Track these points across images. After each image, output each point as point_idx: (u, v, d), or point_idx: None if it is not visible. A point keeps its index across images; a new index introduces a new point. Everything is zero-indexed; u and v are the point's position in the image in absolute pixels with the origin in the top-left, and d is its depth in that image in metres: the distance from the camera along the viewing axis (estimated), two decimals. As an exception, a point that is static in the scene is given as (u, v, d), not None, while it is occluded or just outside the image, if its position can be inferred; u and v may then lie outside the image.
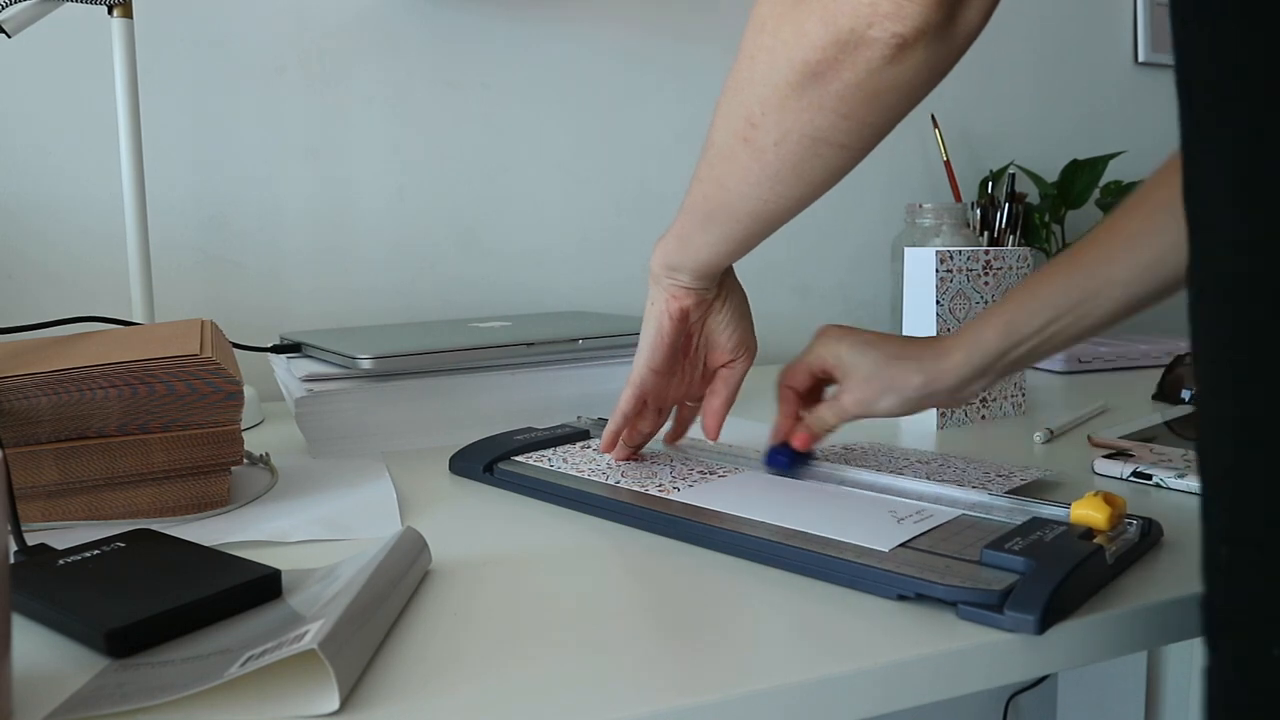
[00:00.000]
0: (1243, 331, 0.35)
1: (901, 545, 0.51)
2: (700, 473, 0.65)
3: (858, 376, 0.63)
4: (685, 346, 0.65)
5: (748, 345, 0.66)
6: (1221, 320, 0.37)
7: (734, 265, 0.63)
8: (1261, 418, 0.35)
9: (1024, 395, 0.92)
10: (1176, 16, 0.38)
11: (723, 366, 0.67)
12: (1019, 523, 0.52)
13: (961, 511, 0.56)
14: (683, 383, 0.68)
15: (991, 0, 0.41)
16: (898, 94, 0.43)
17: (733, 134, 0.49)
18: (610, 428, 0.67)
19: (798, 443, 0.66)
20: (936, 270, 0.84)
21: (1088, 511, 0.51)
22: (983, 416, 0.88)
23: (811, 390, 0.67)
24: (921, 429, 0.84)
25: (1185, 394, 0.94)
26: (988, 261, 0.88)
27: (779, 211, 0.52)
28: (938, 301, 0.85)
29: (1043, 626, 0.43)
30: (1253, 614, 0.35)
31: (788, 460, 0.65)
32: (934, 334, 0.84)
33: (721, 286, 0.64)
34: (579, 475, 0.65)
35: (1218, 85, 0.36)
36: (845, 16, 0.41)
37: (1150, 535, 0.53)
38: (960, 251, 0.86)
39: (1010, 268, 0.90)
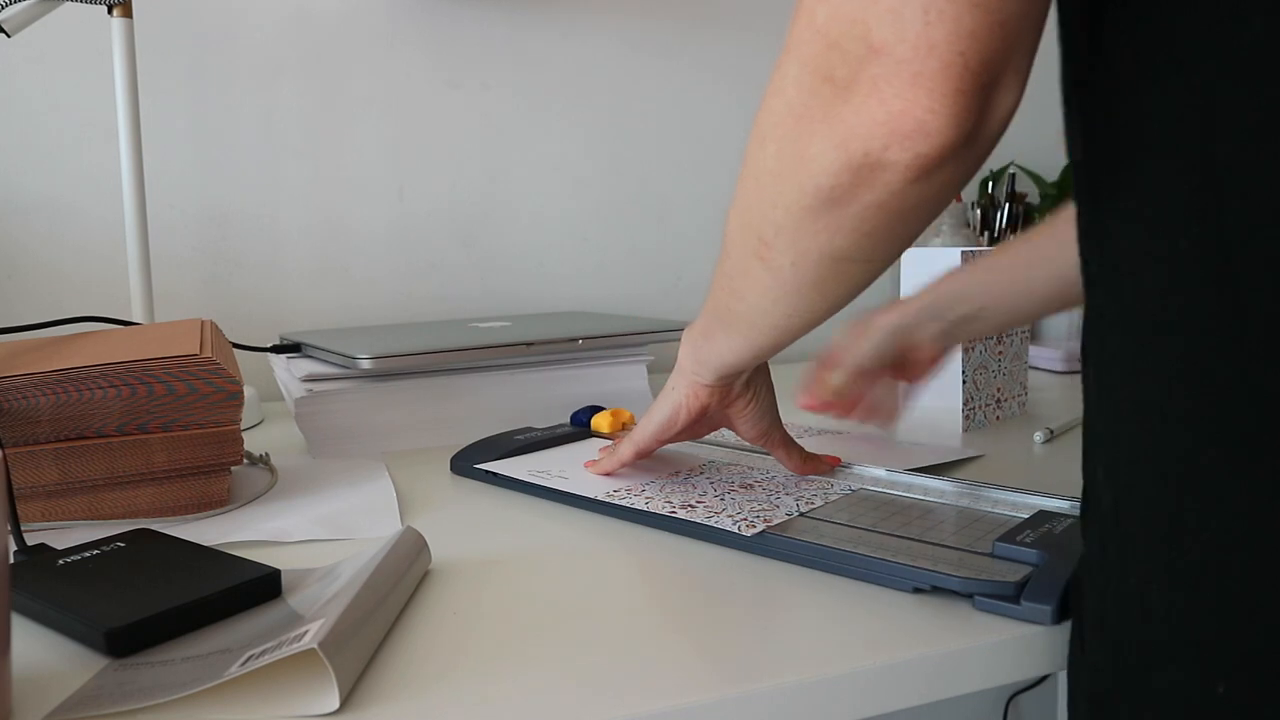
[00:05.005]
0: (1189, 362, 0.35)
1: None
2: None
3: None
4: (699, 421, 0.62)
5: (770, 439, 0.64)
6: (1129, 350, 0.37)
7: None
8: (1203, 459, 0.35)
9: (1026, 394, 0.92)
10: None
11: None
12: (1026, 516, 0.53)
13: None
14: (690, 436, 0.66)
15: (1021, 88, 0.36)
16: (927, 207, 0.39)
17: (747, 250, 0.45)
18: (604, 468, 0.65)
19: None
20: None
21: None
22: (998, 418, 0.89)
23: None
24: (947, 429, 0.84)
25: None
26: None
27: (804, 325, 0.49)
28: None
29: (1059, 617, 0.44)
30: (1197, 650, 0.35)
31: (585, 418, 0.78)
32: None
33: (750, 381, 0.61)
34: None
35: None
36: (857, 140, 0.36)
37: None
38: (982, 251, 0.86)
39: None
